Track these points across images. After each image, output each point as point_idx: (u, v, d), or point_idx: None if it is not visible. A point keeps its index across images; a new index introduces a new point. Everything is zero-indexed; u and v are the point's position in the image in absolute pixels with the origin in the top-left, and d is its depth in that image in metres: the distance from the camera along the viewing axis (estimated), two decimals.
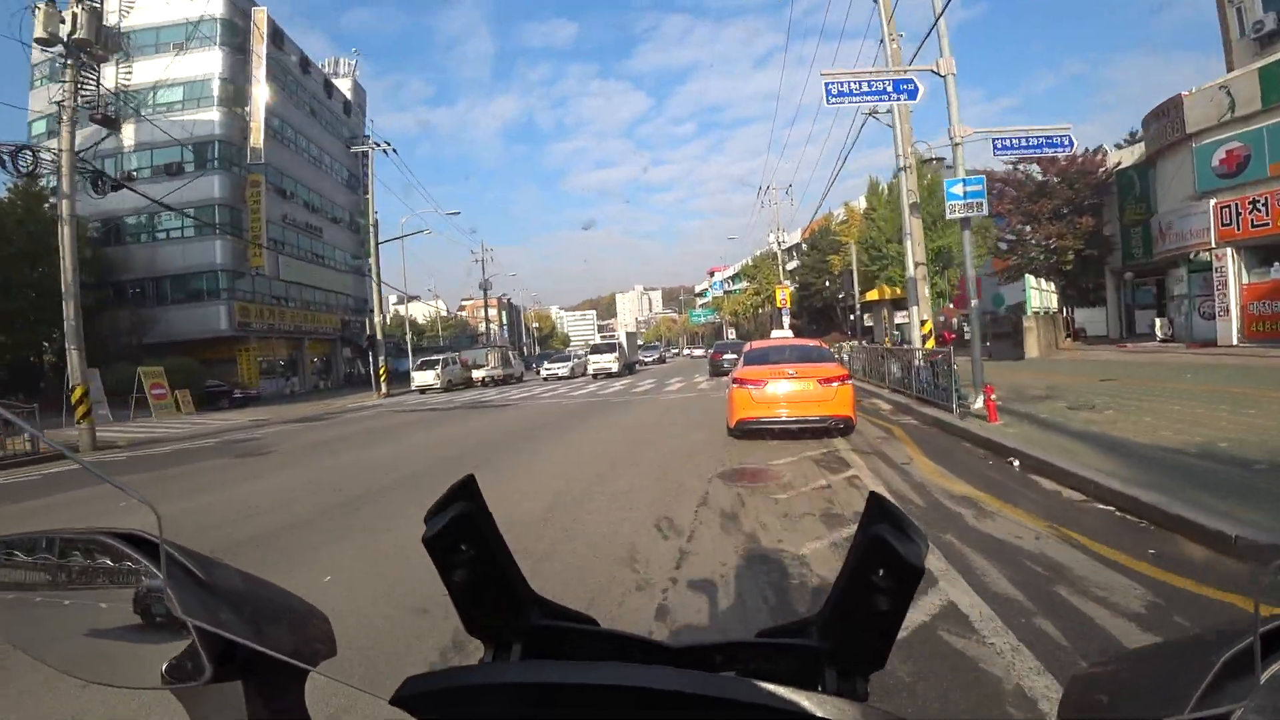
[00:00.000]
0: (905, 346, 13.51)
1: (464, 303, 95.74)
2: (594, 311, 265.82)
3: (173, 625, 0.47)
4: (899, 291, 16.00)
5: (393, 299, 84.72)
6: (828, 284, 46.77)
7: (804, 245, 54.55)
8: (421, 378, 28.32)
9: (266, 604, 0.54)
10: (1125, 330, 23.84)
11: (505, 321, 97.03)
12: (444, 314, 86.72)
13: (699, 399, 15.76)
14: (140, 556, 0.49)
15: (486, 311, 54.97)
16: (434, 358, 30.67)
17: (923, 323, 12.22)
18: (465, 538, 0.58)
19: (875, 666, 0.57)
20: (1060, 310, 24.10)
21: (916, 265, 11.82)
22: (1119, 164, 23.64)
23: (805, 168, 66.61)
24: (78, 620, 0.52)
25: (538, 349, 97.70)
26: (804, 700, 0.47)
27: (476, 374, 31.39)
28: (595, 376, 29.89)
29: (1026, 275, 17.41)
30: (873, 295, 33.83)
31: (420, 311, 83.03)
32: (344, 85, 47.63)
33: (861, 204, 44.20)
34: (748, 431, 8.50)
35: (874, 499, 0.55)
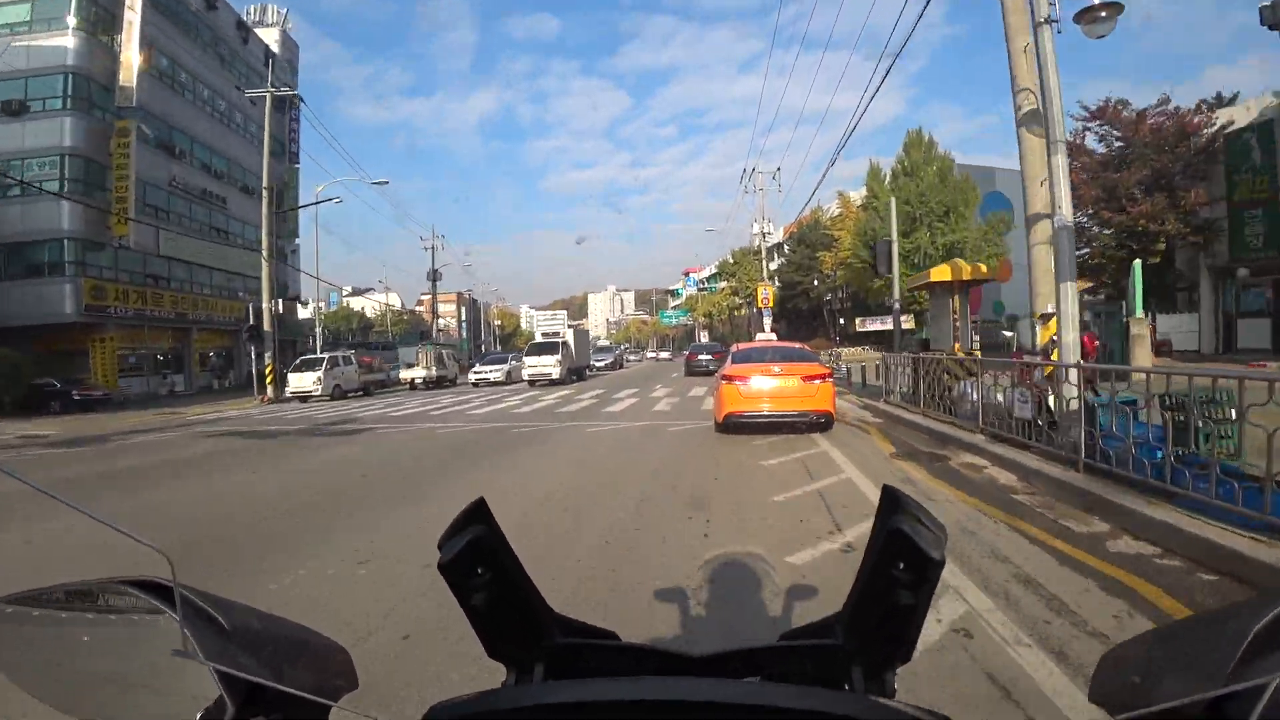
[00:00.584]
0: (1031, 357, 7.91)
1: (423, 297, 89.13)
2: (565, 311, 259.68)
3: (192, 671, 0.47)
4: (984, 270, 10.39)
5: (347, 290, 78.28)
6: (816, 283, 41.85)
7: (787, 244, 49.76)
8: (298, 381, 22.20)
9: (285, 642, 0.55)
10: (1223, 344, 18.54)
11: (465, 318, 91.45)
12: (396, 308, 79.99)
13: (653, 432, 10.15)
14: (157, 602, 0.49)
15: (435, 305, 48.58)
16: (317, 356, 24.53)
17: (1045, 317, 6.93)
18: (481, 561, 0.57)
19: (902, 660, 0.56)
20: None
21: (1051, 222, 6.47)
22: (1230, 124, 18.12)
23: (787, 173, 60.47)
24: (99, 671, 0.52)
25: (499, 348, 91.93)
26: (833, 699, 0.47)
27: (405, 374, 28.18)
28: (532, 383, 24.66)
29: (1135, 263, 12.33)
30: (941, 274, 28.84)
31: (377, 306, 76.65)
32: (270, 37, 41.19)
33: (858, 196, 39.40)
34: (735, 426, 8.90)
35: (888, 491, 0.54)
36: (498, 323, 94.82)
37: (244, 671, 0.46)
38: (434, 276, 40.93)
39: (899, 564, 0.51)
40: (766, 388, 8.81)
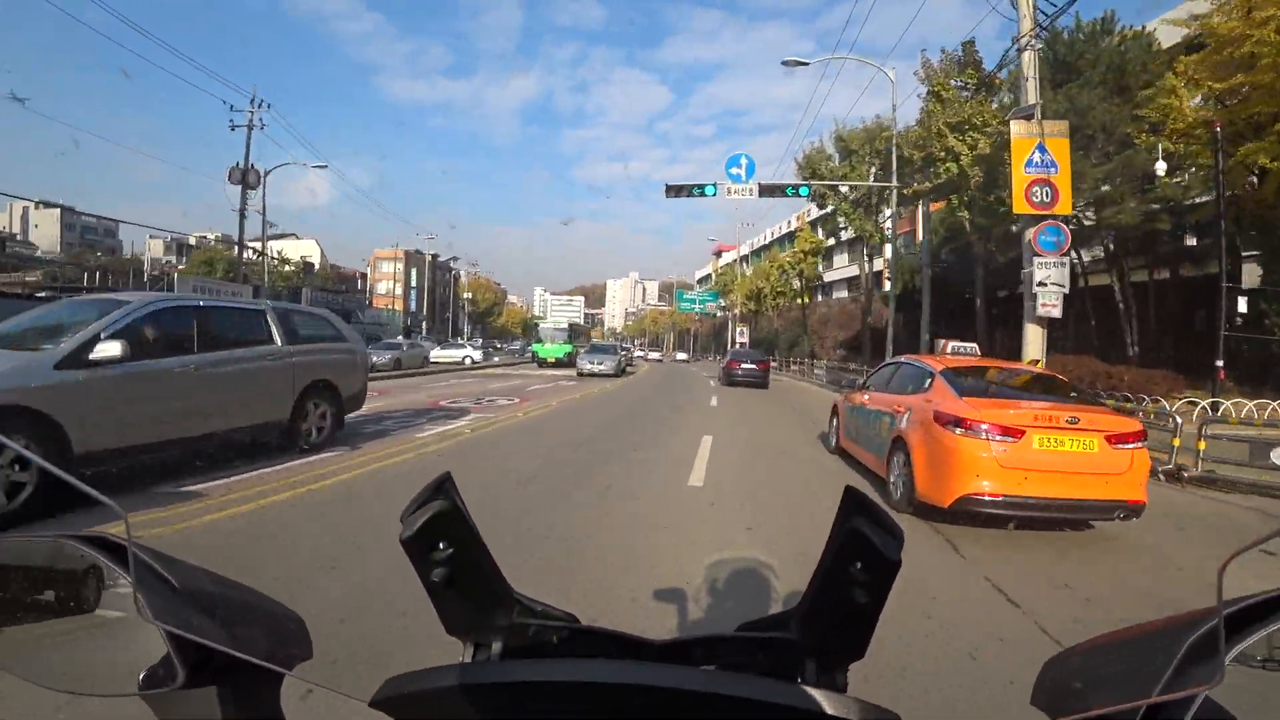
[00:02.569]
0: None
1: (379, 253, 73.04)
2: (583, 298, 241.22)
3: (143, 630, 0.46)
4: None
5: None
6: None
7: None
8: None
9: (239, 606, 0.54)
10: None
11: (413, 283, 73.83)
12: (317, 263, 62.40)
13: None
14: (107, 560, 0.47)
15: (243, 231, 23.84)
16: None
17: None
18: (443, 536, 0.56)
19: (854, 657, 0.57)
20: None
21: None
22: None
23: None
24: (44, 628, 0.51)
25: (468, 327, 73.97)
26: (784, 691, 0.48)
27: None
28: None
29: None
30: None
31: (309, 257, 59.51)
32: None
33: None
34: (979, 516, 4.80)
35: (850, 493, 0.54)
36: (468, 295, 76.72)
37: (195, 634, 0.45)
38: (244, 176, 21.89)
39: (856, 564, 0.51)
40: (1050, 455, 4.72)
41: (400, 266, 74.11)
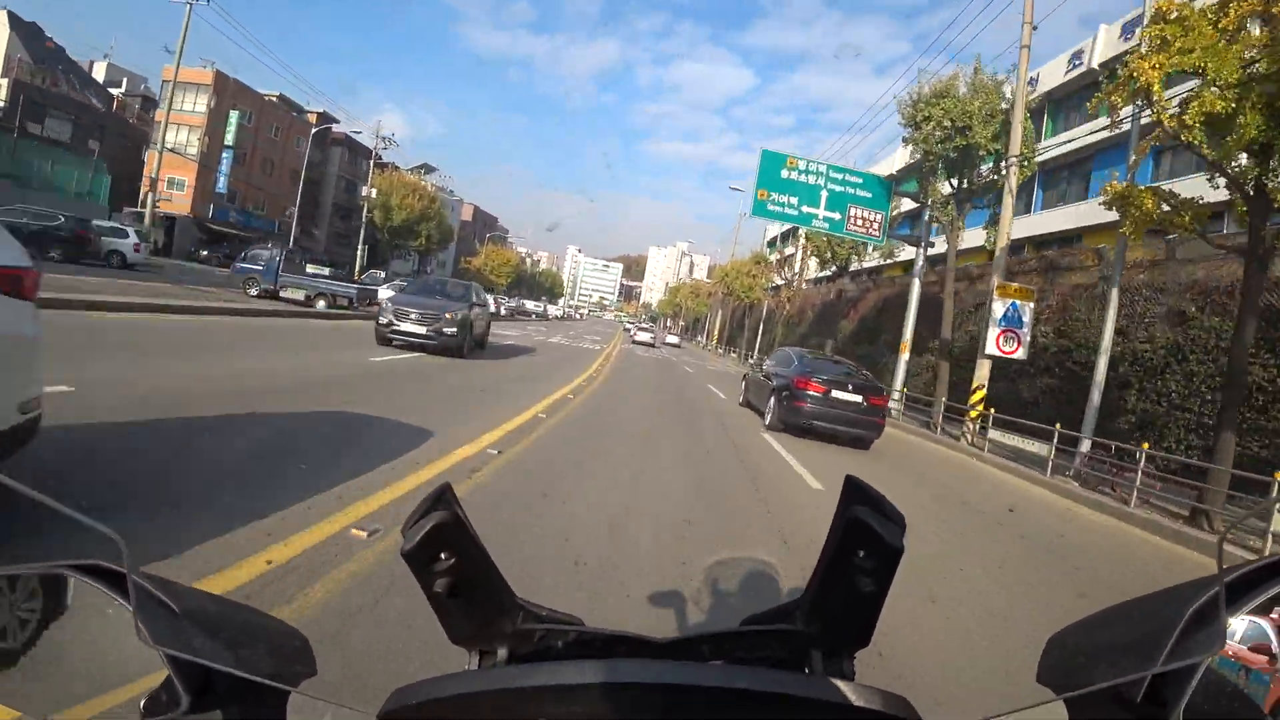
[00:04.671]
0: None
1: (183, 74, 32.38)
2: (621, 266, 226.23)
3: (145, 657, 0.45)
4: None
5: None
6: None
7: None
8: None
9: (242, 627, 0.53)
10: None
11: (229, 140, 42.45)
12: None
13: None
14: (105, 588, 0.47)
15: None
16: None
17: None
18: (445, 547, 0.56)
19: (860, 645, 0.58)
20: None
21: None
22: None
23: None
24: (44, 659, 0.51)
25: (425, 269, 58.97)
26: (793, 682, 0.50)
27: None
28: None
29: None
30: None
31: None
32: None
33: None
34: None
35: (850, 481, 0.55)
36: (373, 193, 46.84)
37: (199, 656, 0.45)
38: None
39: (859, 552, 0.52)
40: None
41: (207, 102, 41.07)
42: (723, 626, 0.65)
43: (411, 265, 62.37)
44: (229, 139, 43.67)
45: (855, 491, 0.53)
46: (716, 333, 57.36)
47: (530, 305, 60.67)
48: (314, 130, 47.80)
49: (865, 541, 0.51)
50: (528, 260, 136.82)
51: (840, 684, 0.48)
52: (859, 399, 10.41)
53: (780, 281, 43.40)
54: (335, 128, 50.68)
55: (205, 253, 40.12)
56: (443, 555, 0.56)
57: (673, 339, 54.82)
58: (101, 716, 0.49)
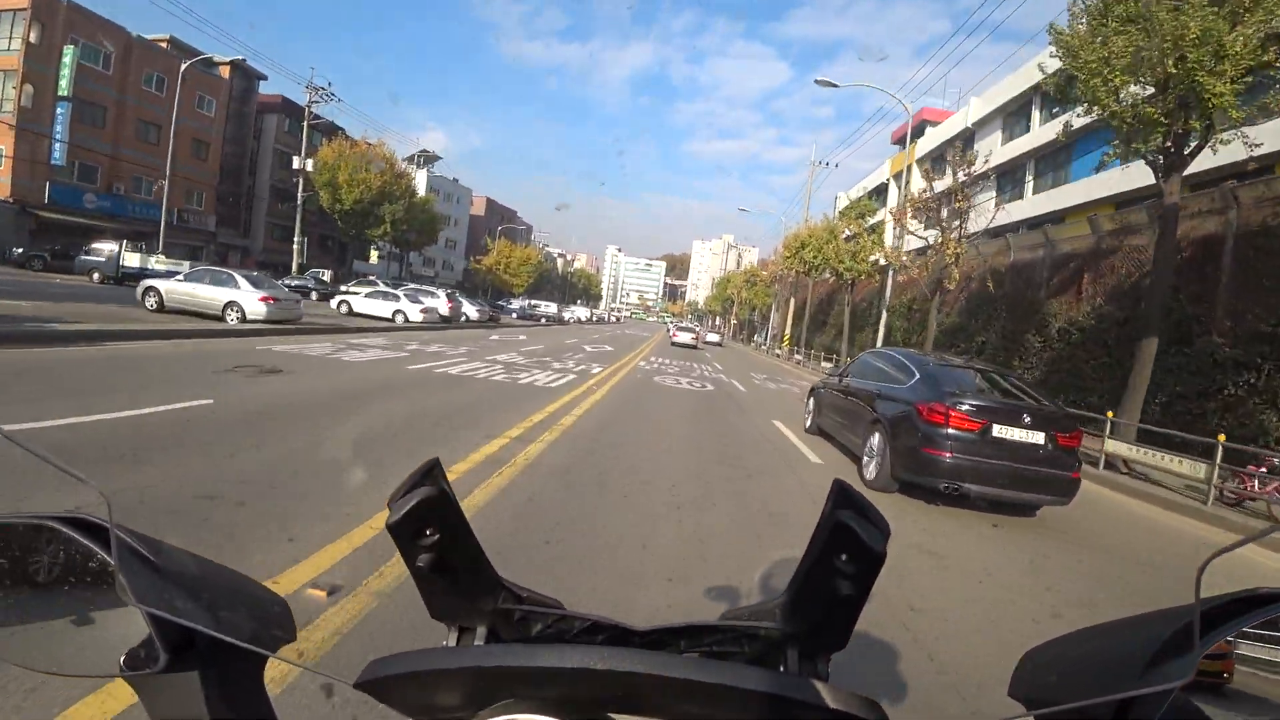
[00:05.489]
0: None
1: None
2: (664, 264, 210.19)
3: (125, 613, 0.46)
4: None
5: None
6: None
7: None
8: None
9: (223, 589, 0.53)
10: None
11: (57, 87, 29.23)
12: None
13: None
14: (88, 541, 0.47)
15: None
16: None
17: None
18: (430, 522, 0.56)
19: (836, 647, 0.58)
20: None
21: None
22: None
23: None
24: (25, 610, 0.51)
25: (405, 268, 50.34)
26: (766, 679, 0.49)
27: None
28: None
29: None
30: None
31: None
32: None
33: None
34: None
35: (838, 485, 0.55)
36: (307, 166, 36.82)
37: (178, 616, 0.45)
38: None
39: (841, 555, 0.52)
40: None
41: (24, 32, 28.62)
42: (701, 620, 0.64)
43: (386, 264, 48.67)
44: (64, 86, 30.10)
45: (841, 495, 0.53)
46: (786, 329, 40.76)
47: (543, 308, 51.78)
48: (241, 92, 34.79)
49: (848, 546, 0.51)
50: (558, 261, 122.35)
51: (814, 684, 0.48)
52: (1039, 439, 6.01)
53: (924, 238, 20.94)
54: (265, 88, 37.37)
55: (21, 250, 26.89)
56: (428, 531, 0.55)
57: (713, 336, 48.97)
58: (84, 669, 0.49)
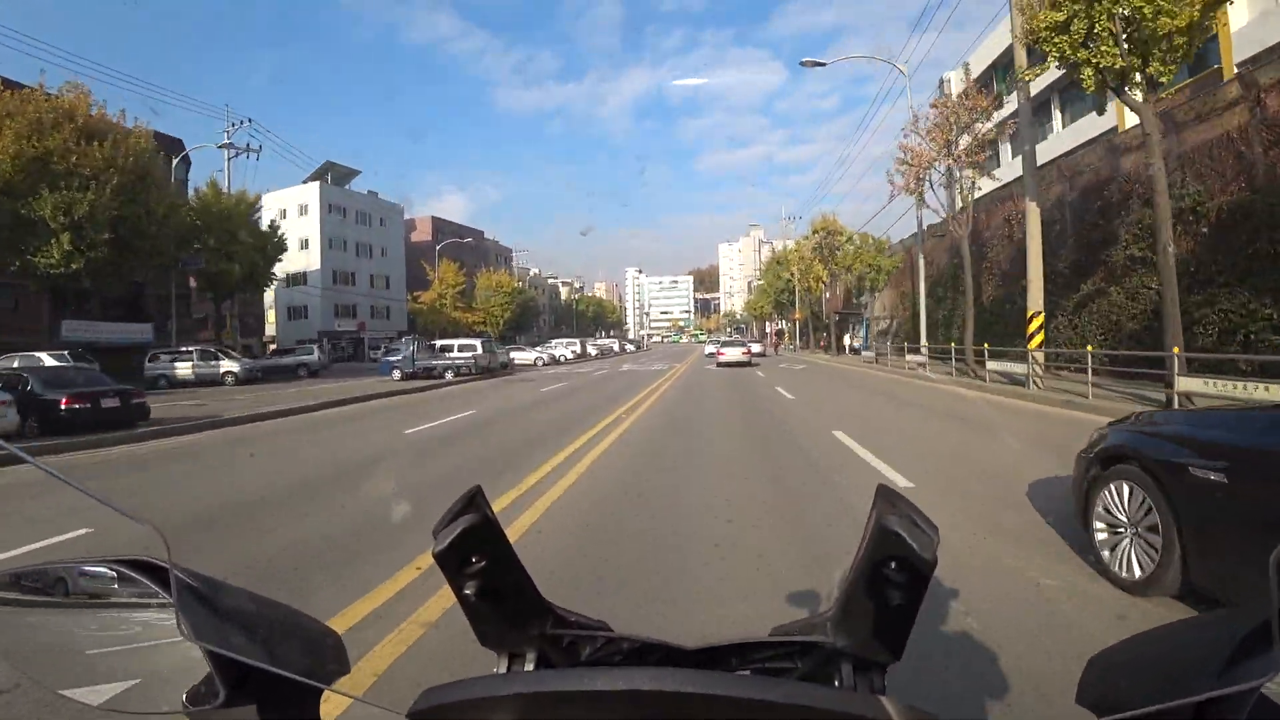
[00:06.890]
0: None
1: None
2: (691, 279, 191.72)
3: (186, 650, 0.47)
4: None
5: None
6: None
7: None
8: None
9: (278, 625, 0.54)
10: None
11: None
12: None
13: None
14: (149, 582, 0.49)
15: None
16: None
17: None
18: (475, 550, 0.57)
19: (891, 659, 0.56)
20: None
21: None
22: None
23: None
24: (92, 650, 0.53)
25: (226, 316, 32.20)
26: (822, 695, 0.47)
27: None
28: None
29: None
30: None
31: None
32: None
33: None
34: None
35: (883, 491, 0.53)
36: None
37: (235, 652, 0.46)
38: None
39: (890, 563, 0.50)
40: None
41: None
42: (751, 636, 0.63)
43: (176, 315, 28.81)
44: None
45: (887, 501, 0.51)
46: (921, 322, 21.07)
47: (520, 356, 38.77)
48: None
49: (896, 553, 0.49)
50: (563, 290, 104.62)
51: (871, 699, 0.47)
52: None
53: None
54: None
55: None
56: (473, 558, 0.56)
57: (755, 347, 37.90)
58: (148, 706, 0.51)
